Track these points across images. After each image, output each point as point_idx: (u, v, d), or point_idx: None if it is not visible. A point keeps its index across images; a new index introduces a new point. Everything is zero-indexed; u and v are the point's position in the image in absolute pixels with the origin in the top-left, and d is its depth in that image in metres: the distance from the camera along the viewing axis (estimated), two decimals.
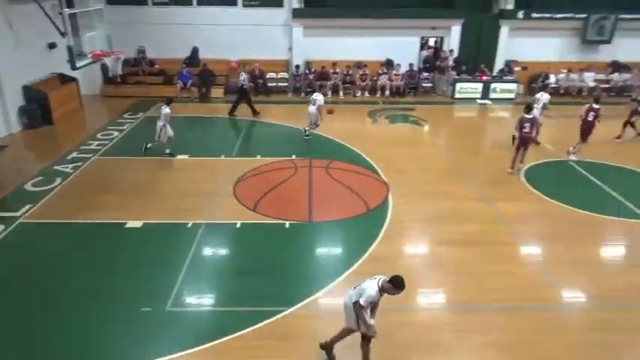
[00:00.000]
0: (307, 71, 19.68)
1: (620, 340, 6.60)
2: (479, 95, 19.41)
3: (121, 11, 18.54)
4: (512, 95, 19.52)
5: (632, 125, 14.68)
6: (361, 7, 19.52)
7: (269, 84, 19.60)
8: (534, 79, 20.26)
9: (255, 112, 16.56)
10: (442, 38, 20.87)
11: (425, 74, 20.42)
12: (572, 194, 10.89)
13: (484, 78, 19.52)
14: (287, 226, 9.37)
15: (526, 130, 11.65)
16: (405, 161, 12.82)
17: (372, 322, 5.60)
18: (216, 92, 19.24)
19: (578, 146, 12.97)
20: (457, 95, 19.45)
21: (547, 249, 8.92)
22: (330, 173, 11.93)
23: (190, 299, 7.25)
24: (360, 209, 10.11)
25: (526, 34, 20.31)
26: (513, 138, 12.34)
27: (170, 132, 12.61)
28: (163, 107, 12.53)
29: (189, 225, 9.25)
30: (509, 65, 20.44)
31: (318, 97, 14.10)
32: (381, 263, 8.09)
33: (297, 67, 19.62)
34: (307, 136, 14.29)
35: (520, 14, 19.89)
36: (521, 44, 20.40)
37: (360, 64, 19.95)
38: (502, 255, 8.57)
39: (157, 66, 19.98)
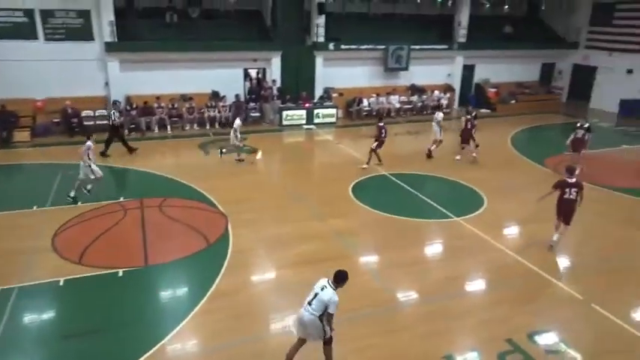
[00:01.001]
0: (129, 107, 18.58)
1: (447, 327, 7.54)
2: (304, 121, 20.60)
3: None
4: (333, 119, 21.18)
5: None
6: (178, 39, 19.29)
7: (86, 122, 17.95)
8: (350, 104, 22.35)
9: (130, 150, 15.80)
10: (264, 69, 21.70)
11: (252, 104, 20.95)
12: (393, 204, 12.19)
13: (307, 105, 20.80)
14: (120, 274, 8.60)
15: (383, 135, 14.68)
16: (242, 190, 12.88)
17: None
18: (21, 135, 16.92)
19: (464, 150, 15.92)
20: (284, 122, 20.35)
21: (378, 256, 9.83)
22: (164, 212, 11.35)
23: None
24: (200, 245, 9.80)
25: (339, 63, 22.38)
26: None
27: (99, 172, 11.67)
28: (86, 142, 11.67)
29: None
30: (327, 92, 22.20)
31: (237, 121, 15.15)
32: (228, 296, 7.96)
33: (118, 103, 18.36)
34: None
35: (331, 46, 21.86)
36: (336, 72, 22.41)
37: (185, 97, 19.58)
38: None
39: None
